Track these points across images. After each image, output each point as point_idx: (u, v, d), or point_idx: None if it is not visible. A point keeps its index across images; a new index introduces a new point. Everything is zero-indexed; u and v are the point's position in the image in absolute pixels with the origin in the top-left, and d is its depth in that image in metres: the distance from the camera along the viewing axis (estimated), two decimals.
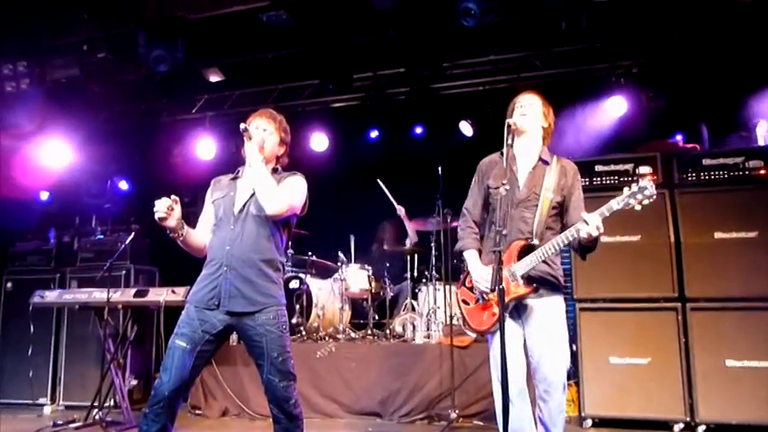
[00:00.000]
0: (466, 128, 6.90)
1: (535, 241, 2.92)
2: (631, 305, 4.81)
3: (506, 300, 2.84)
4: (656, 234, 4.83)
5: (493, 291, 2.57)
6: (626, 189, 2.74)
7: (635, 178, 4.92)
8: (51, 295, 5.42)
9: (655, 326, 4.71)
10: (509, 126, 2.90)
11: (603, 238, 4.99)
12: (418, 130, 7.49)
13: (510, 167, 2.99)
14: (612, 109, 6.16)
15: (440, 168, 5.47)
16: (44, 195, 7.92)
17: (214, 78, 6.67)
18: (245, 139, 2.86)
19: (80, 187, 7.71)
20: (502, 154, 3.07)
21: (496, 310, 2.87)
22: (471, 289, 3.09)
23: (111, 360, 5.19)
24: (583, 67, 6.33)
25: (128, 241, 5.92)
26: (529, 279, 2.91)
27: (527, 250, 2.92)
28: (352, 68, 6.73)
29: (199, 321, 2.75)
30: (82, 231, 6.93)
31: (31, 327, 5.34)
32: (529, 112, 3.05)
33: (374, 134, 7.60)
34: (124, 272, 6.32)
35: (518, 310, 2.97)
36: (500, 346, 2.51)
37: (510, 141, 2.88)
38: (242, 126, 2.84)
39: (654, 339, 4.70)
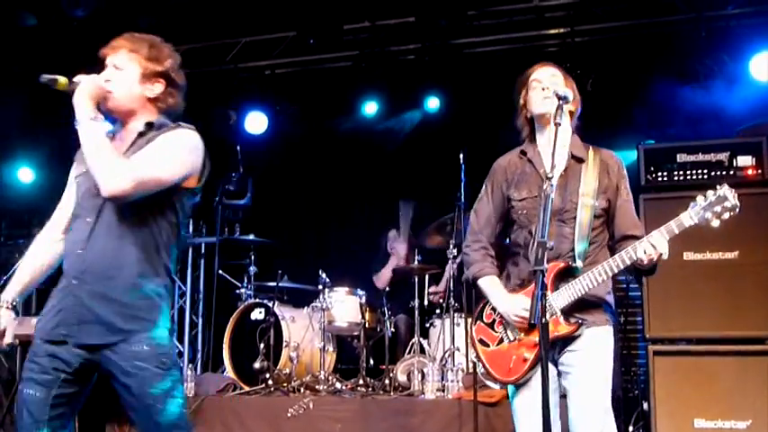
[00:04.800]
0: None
1: (578, 263, 2.95)
2: (726, 347, 4.78)
3: None
4: (763, 250, 4.82)
5: (533, 326, 2.56)
6: (700, 198, 2.78)
7: (732, 173, 4.92)
8: None
9: (759, 376, 4.69)
10: (559, 99, 2.87)
11: (686, 256, 5.08)
12: (432, 102, 7.48)
13: (536, 171, 3.05)
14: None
15: (461, 155, 5.47)
16: None
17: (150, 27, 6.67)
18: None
19: None
20: (523, 153, 3.12)
21: (528, 353, 2.91)
22: (492, 325, 3.12)
23: None
24: (663, 18, 6.33)
25: None
26: (570, 312, 2.95)
27: (565, 275, 2.95)
28: (342, 16, 6.74)
29: (48, 358, 2.61)
30: None
31: None
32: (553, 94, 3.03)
33: (371, 107, 7.60)
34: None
35: (551, 346, 2.98)
36: (542, 401, 2.49)
37: (558, 119, 2.86)
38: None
39: (757, 394, 4.67)
